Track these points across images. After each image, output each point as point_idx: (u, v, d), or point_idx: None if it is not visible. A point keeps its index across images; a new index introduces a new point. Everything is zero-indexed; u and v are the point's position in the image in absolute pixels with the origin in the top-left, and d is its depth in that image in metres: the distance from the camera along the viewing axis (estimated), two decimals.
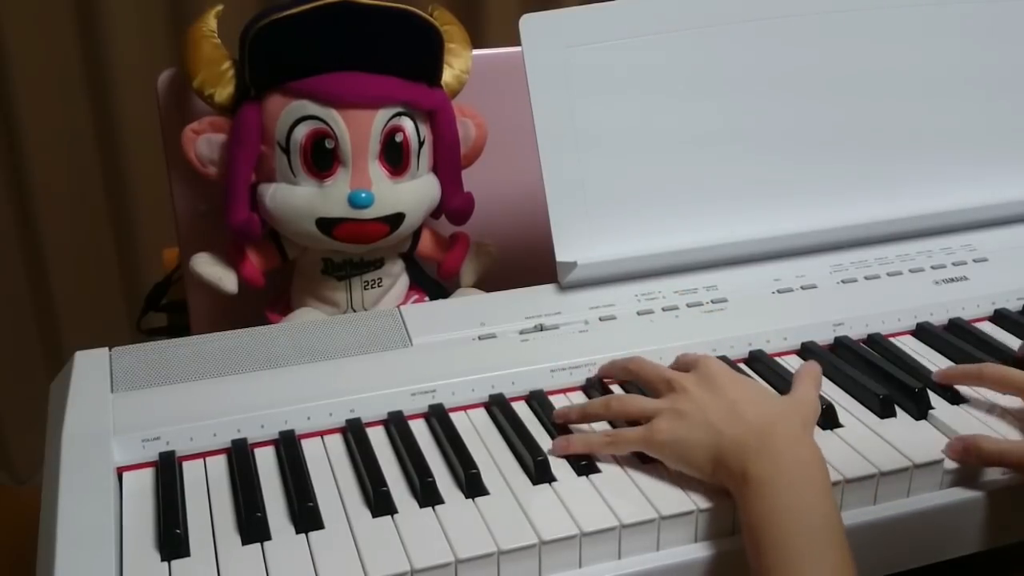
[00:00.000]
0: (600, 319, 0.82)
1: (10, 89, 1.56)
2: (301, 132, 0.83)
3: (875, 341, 0.83)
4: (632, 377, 0.75)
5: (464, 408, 0.76)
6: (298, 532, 0.62)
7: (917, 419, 0.73)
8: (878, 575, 0.67)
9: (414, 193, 0.87)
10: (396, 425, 0.72)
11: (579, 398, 0.77)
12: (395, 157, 0.85)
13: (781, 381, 0.77)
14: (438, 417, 0.73)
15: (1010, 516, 0.69)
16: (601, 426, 0.72)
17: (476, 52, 0.94)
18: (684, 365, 0.73)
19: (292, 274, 0.92)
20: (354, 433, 0.71)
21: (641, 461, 0.68)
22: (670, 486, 0.65)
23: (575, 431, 0.71)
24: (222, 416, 0.71)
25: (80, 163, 1.65)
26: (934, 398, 0.74)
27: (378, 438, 0.72)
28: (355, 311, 0.90)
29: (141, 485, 0.67)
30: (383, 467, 0.67)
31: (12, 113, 1.58)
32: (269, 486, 0.67)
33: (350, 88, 0.83)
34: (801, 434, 0.64)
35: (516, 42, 0.82)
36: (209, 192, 0.92)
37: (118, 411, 0.71)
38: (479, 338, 0.80)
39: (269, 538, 0.62)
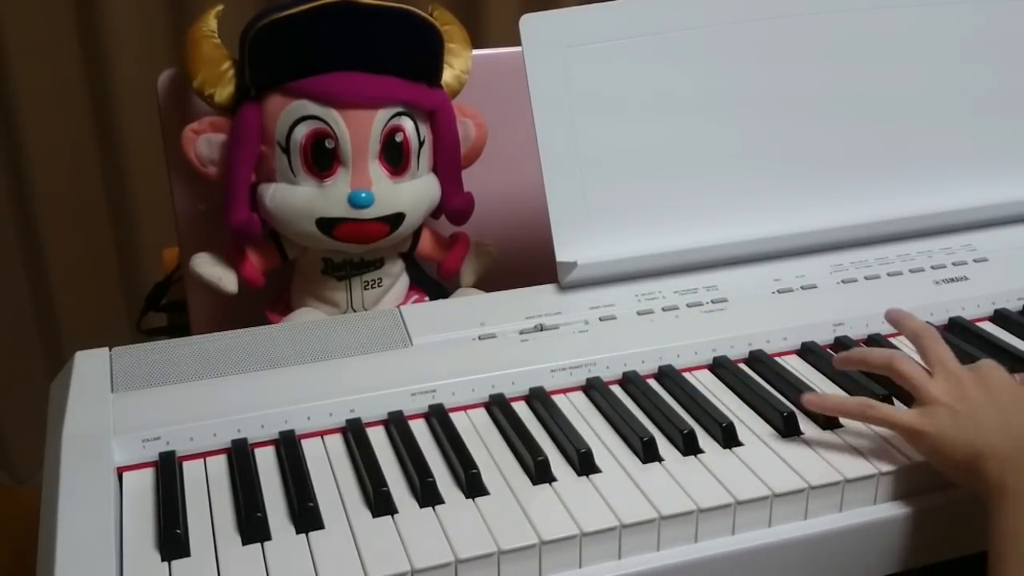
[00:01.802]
0: (600, 319, 0.82)
1: (10, 90, 1.56)
2: (301, 132, 0.83)
3: (875, 341, 0.83)
4: (918, 345, 0.72)
5: (464, 408, 0.76)
6: (298, 532, 0.62)
7: None
8: (878, 574, 0.67)
9: (414, 193, 0.87)
10: (396, 425, 0.72)
11: (579, 398, 0.77)
12: (395, 157, 0.85)
13: (781, 381, 0.77)
14: (438, 417, 0.73)
15: None
16: None
17: (476, 52, 0.94)
18: (965, 366, 0.70)
19: (292, 274, 0.92)
20: (354, 433, 0.71)
21: (641, 461, 0.68)
22: (670, 486, 0.65)
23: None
24: (222, 416, 0.71)
25: (80, 163, 1.65)
26: None
27: (378, 438, 0.72)
28: (355, 311, 0.90)
29: (141, 485, 0.67)
30: (383, 467, 0.67)
31: (12, 113, 1.58)
32: (269, 486, 0.67)
33: (350, 88, 0.83)
34: None
35: (516, 42, 0.82)
36: (209, 192, 0.91)
37: (118, 411, 0.71)
38: (479, 338, 0.80)
39: (269, 538, 0.62)
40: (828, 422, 0.71)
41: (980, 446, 0.62)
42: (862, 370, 0.74)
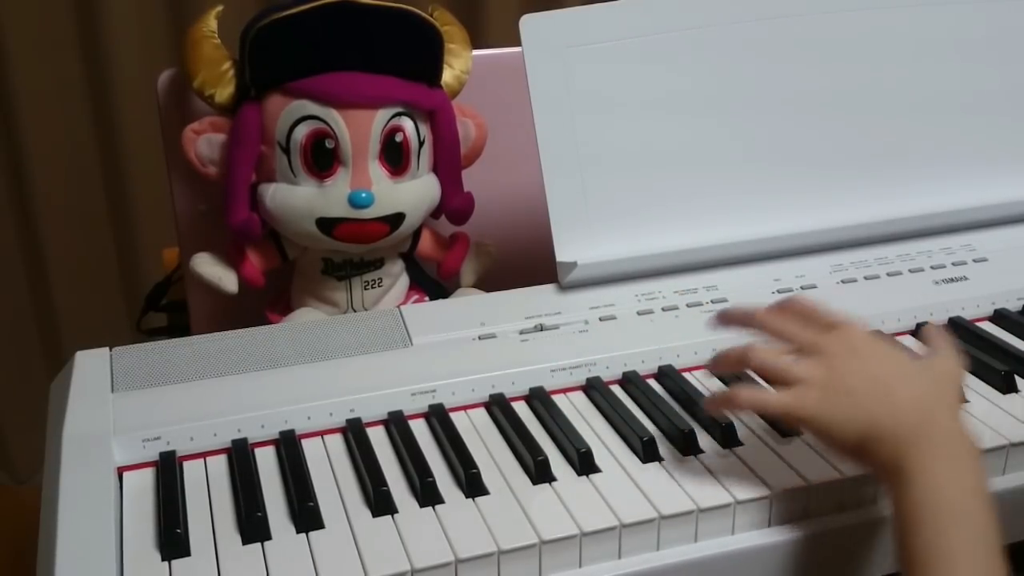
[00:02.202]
0: (600, 319, 0.82)
1: (10, 90, 1.56)
2: (301, 132, 0.83)
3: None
4: (761, 329, 0.68)
5: (464, 408, 0.76)
6: (298, 532, 0.62)
7: None
8: (879, 574, 0.67)
9: (414, 193, 0.87)
10: (396, 425, 0.72)
11: (579, 398, 0.77)
12: (395, 157, 0.86)
13: None
14: (438, 417, 0.73)
15: None
16: None
17: (476, 52, 0.94)
18: (819, 324, 0.67)
19: (292, 274, 0.92)
20: (354, 433, 0.71)
21: (641, 461, 0.68)
22: (670, 486, 0.65)
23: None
24: (222, 416, 0.71)
25: (80, 163, 1.65)
26: None
27: (378, 438, 0.72)
28: (355, 311, 0.90)
29: (141, 485, 0.67)
30: (383, 467, 0.67)
31: (12, 114, 1.58)
32: (269, 486, 0.67)
33: (350, 88, 0.83)
34: (952, 425, 0.60)
35: (516, 42, 0.82)
36: (209, 192, 0.92)
37: (118, 411, 0.71)
38: (479, 338, 0.80)
39: (269, 538, 0.62)
40: None
41: (867, 427, 0.60)
42: (727, 372, 0.70)
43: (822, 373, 0.62)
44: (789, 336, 0.66)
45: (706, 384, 0.78)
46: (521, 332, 0.80)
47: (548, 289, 0.84)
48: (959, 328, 0.84)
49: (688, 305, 0.83)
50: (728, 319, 0.72)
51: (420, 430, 0.73)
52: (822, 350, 0.63)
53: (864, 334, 0.65)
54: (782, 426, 0.70)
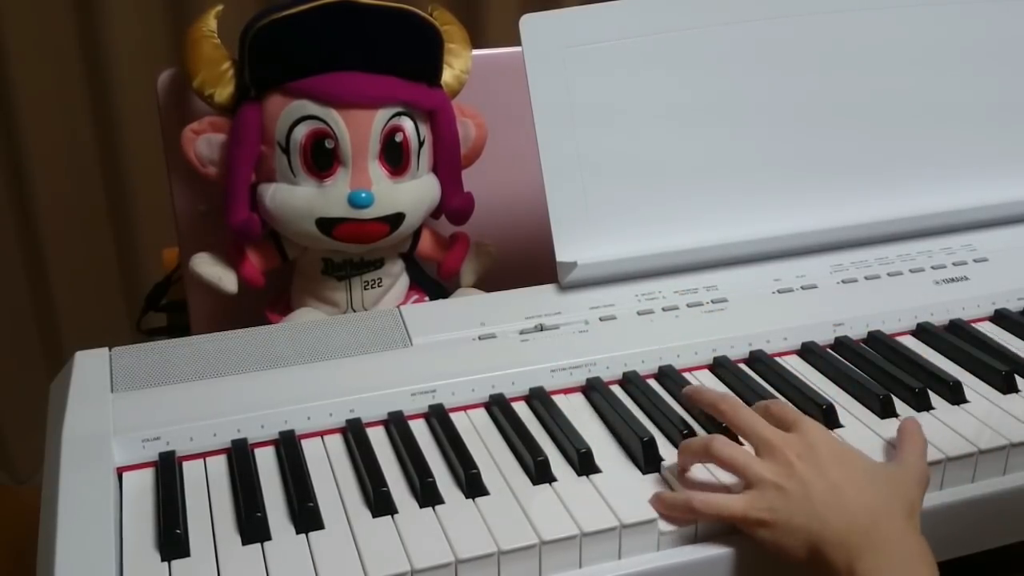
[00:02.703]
0: (600, 319, 0.82)
1: (10, 89, 1.56)
2: (301, 132, 0.83)
3: (876, 340, 0.83)
4: (724, 420, 0.68)
5: (464, 408, 0.76)
6: (298, 532, 0.62)
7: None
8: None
9: (414, 193, 0.87)
10: (396, 425, 0.72)
11: (579, 398, 0.77)
12: (395, 157, 0.85)
13: (781, 381, 0.77)
14: (438, 417, 0.73)
15: None
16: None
17: (476, 52, 0.94)
18: (780, 420, 0.66)
19: (292, 274, 0.92)
20: (354, 433, 0.71)
21: (642, 462, 0.68)
22: (670, 487, 0.65)
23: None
24: (222, 416, 0.71)
25: (80, 163, 1.65)
26: (934, 398, 0.75)
27: (378, 438, 0.72)
28: (355, 311, 0.90)
29: (141, 485, 0.67)
30: (383, 467, 0.67)
31: (12, 113, 1.58)
32: (269, 486, 0.67)
33: (350, 88, 0.83)
34: (906, 527, 0.60)
35: (516, 42, 0.82)
36: (209, 192, 0.91)
37: (118, 411, 0.71)
38: (479, 338, 0.80)
39: (269, 538, 0.62)
40: (827, 422, 0.71)
41: (819, 532, 0.59)
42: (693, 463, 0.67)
43: (779, 475, 0.62)
44: (750, 432, 0.66)
45: (707, 384, 0.78)
46: (521, 332, 0.80)
47: (548, 289, 0.84)
48: (959, 328, 0.84)
49: (688, 305, 0.83)
50: (696, 399, 0.72)
51: (420, 430, 0.73)
52: (781, 450, 0.63)
53: (824, 435, 0.65)
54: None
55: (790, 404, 0.70)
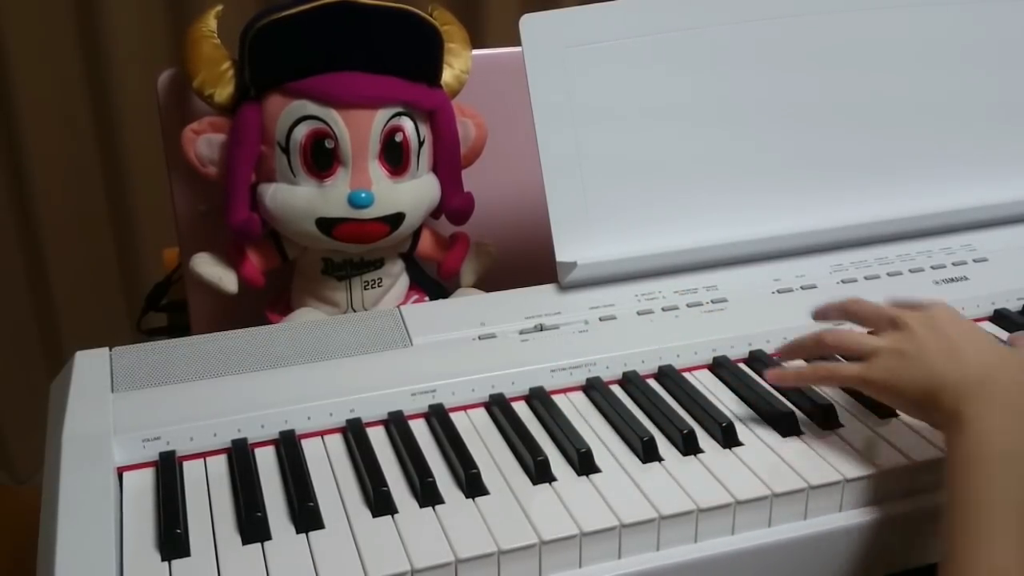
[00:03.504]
0: (600, 319, 0.82)
1: (10, 89, 1.56)
2: (301, 132, 0.83)
3: None
4: (851, 317, 0.73)
5: (464, 408, 0.76)
6: (298, 532, 0.62)
7: None
8: (879, 574, 0.67)
9: (414, 193, 0.87)
10: (396, 425, 0.72)
11: (579, 398, 0.77)
12: (395, 157, 0.86)
13: None
14: (438, 417, 0.73)
15: None
16: None
17: (476, 52, 0.94)
18: (910, 306, 0.71)
19: (292, 274, 0.92)
20: (354, 433, 0.71)
21: (641, 461, 0.68)
22: (670, 486, 0.65)
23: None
24: (222, 416, 0.71)
25: (80, 163, 1.65)
26: None
27: (378, 438, 0.72)
28: (355, 311, 0.90)
29: (141, 485, 0.67)
30: (383, 467, 0.67)
31: (12, 113, 1.58)
32: (269, 486, 0.67)
33: (350, 88, 0.83)
34: (1019, 385, 0.63)
35: (516, 42, 0.82)
36: (209, 192, 0.92)
37: (118, 411, 0.71)
38: (479, 338, 0.80)
39: (269, 538, 0.62)
40: (827, 422, 0.71)
41: (932, 380, 0.63)
42: (804, 358, 0.75)
43: (897, 342, 0.66)
44: (878, 315, 0.70)
45: (707, 384, 0.78)
46: (521, 332, 0.80)
47: (548, 289, 0.84)
48: None
49: (688, 305, 0.83)
50: (823, 313, 0.76)
51: (420, 430, 0.73)
52: (904, 323, 0.67)
53: (949, 313, 0.68)
54: (781, 426, 0.70)
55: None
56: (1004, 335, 0.84)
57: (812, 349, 0.72)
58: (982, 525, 0.56)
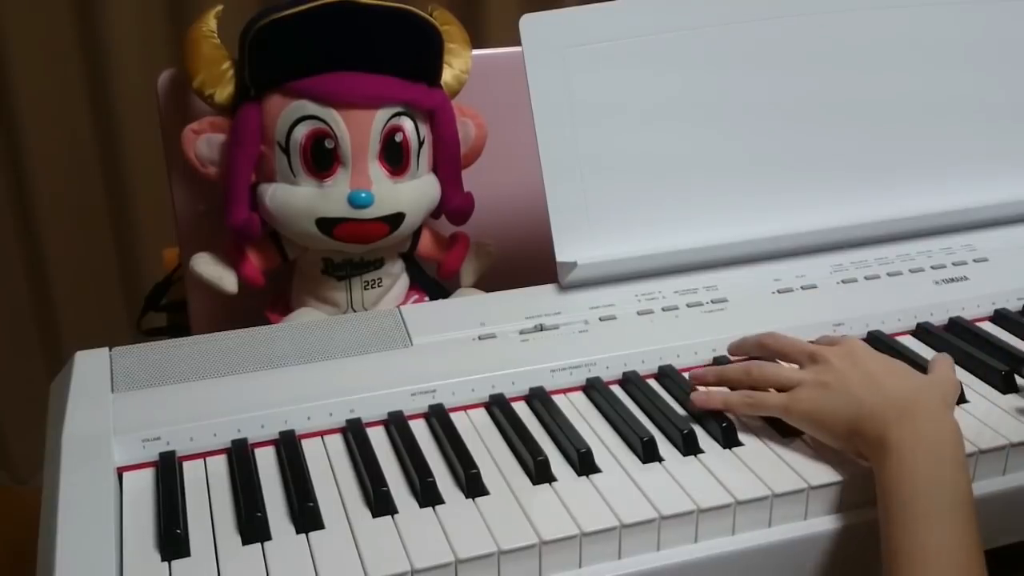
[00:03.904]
0: (600, 319, 0.82)
1: (10, 90, 1.56)
2: (301, 132, 0.83)
3: (876, 340, 0.83)
4: (769, 353, 0.74)
5: (464, 408, 0.76)
6: (298, 532, 0.62)
7: None
8: (879, 574, 0.67)
9: (414, 193, 0.87)
10: (396, 425, 0.72)
11: (579, 398, 0.77)
12: (395, 157, 0.86)
13: None
14: (438, 417, 0.73)
15: None
16: None
17: (476, 52, 0.94)
18: (826, 342, 0.73)
19: (292, 274, 0.92)
20: (354, 433, 0.71)
21: (641, 462, 0.68)
22: (670, 486, 0.65)
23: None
24: (222, 416, 0.71)
25: (80, 163, 1.65)
26: None
27: (378, 438, 0.72)
28: (355, 311, 0.90)
29: (141, 485, 0.67)
30: (383, 467, 0.67)
31: (12, 114, 1.58)
32: (269, 486, 0.67)
33: (350, 88, 0.83)
34: (941, 410, 0.65)
35: (516, 42, 0.82)
36: (209, 192, 0.91)
37: (118, 411, 0.71)
38: (479, 338, 0.80)
39: (269, 538, 0.62)
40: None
41: (855, 409, 0.65)
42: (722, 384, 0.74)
43: (819, 374, 0.69)
44: (797, 350, 0.72)
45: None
46: (521, 332, 0.80)
47: (548, 289, 0.84)
48: (959, 328, 0.84)
49: (688, 305, 0.83)
50: (738, 349, 0.78)
51: (420, 430, 0.73)
52: (822, 356, 0.69)
53: (865, 347, 0.71)
54: (781, 426, 0.70)
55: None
56: (1004, 335, 0.84)
57: (741, 382, 0.72)
58: (918, 540, 0.57)
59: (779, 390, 0.70)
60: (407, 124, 0.85)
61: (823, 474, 0.66)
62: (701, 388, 0.73)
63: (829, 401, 0.66)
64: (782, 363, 0.74)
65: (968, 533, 0.58)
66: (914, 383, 0.67)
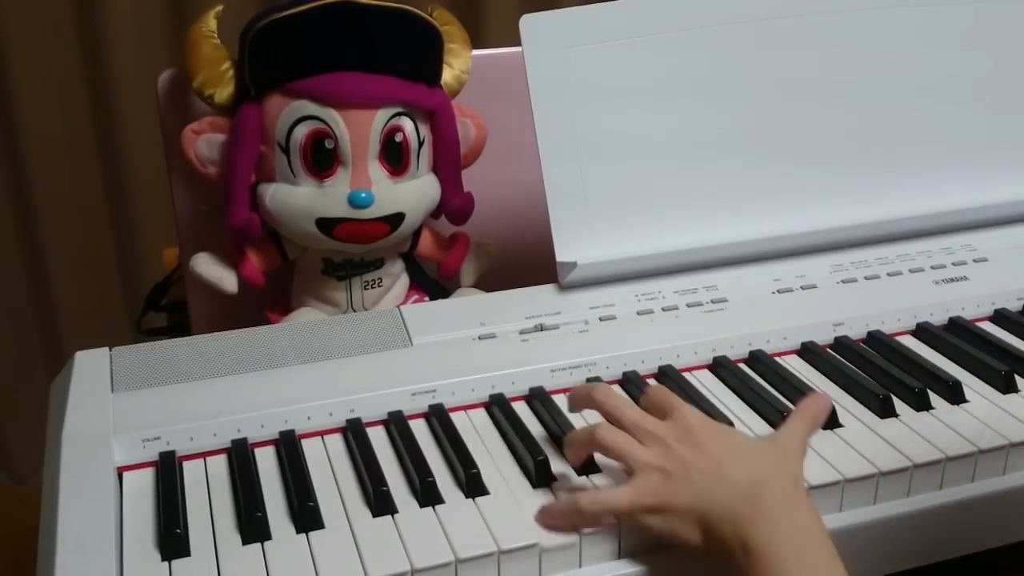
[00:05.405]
0: (600, 319, 0.82)
1: (10, 90, 1.57)
2: (301, 132, 0.83)
3: (875, 339, 0.83)
4: (600, 411, 0.67)
5: (464, 408, 0.76)
6: (298, 532, 0.62)
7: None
8: (878, 574, 0.67)
9: (414, 193, 0.87)
10: (396, 425, 0.72)
11: None
12: (395, 157, 0.86)
13: (781, 381, 0.77)
14: (438, 417, 0.73)
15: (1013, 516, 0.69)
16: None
17: (476, 52, 0.94)
18: (657, 407, 0.66)
19: (292, 274, 0.92)
20: (354, 433, 0.71)
21: None
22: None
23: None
24: (222, 416, 0.71)
25: (80, 163, 1.65)
26: (934, 398, 0.74)
27: (378, 438, 0.72)
28: (355, 311, 0.90)
29: (141, 485, 0.67)
30: (383, 467, 0.67)
31: (12, 114, 1.58)
32: (269, 486, 0.67)
33: (350, 88, 0.83)
34: (793, 492, 0.60)
35: (516, 42, 0.82)
36: (209, 192, 0.92)
37: (118, 411, 0.71)
38: (479, 338, 0.80)
39: (269, 538, 0.62)
40: (826, 422, 0.71)
41: (707, 508, 0.59)
42: (576, 448, 0.67)
43: (659, 458, 0.62)
44: (627, 422, 0.65)
45: (706, 384, 0.78)
46: (521, 332, 0.80)
47: (548, 289, 0.84)
48: (959, 328, 0.84)
49: (688, 305, 0.83)
50: (575, 401, 0.71)
51: (420, 430, 0.73)
52: (657, 436, 0.63)
53: (699, 417, 0.65)
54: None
55: (667, 390, 0.68)
56: (1004, 335, 0.84)
57: (587, 446, 0.66)
58: None
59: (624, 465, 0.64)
60: (407, 124, 0.85)
61: (823, 474, 0.66)
62: (540, 518, 0.63)
63: (676, 495, 0.60)
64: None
65: None
66: (754, 462, 0.61)
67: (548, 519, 0.62)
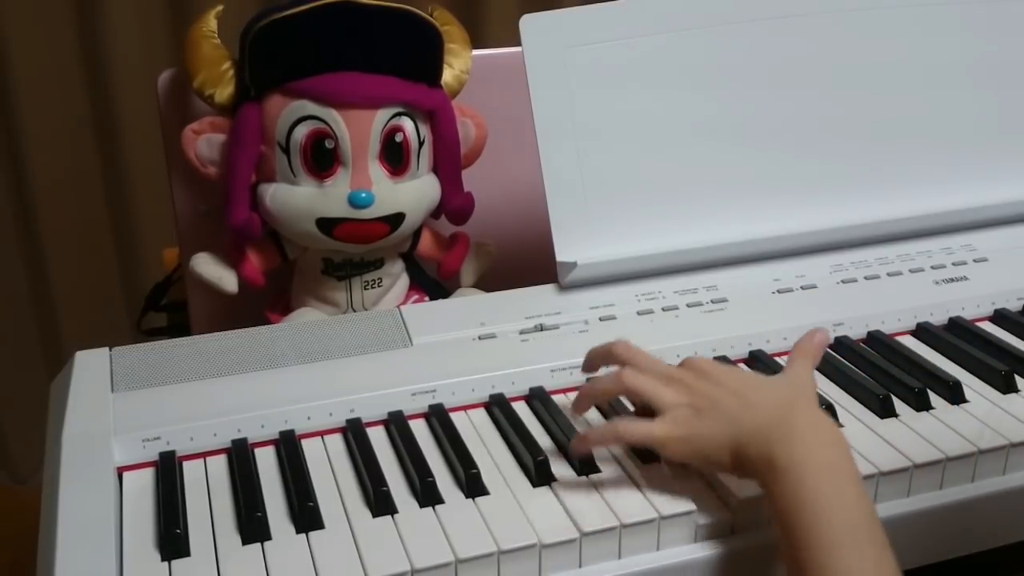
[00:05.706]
0: (600, 319, 0.82)
1: (10, 89, 1.56)
2: (301, 132, 0.83)
3: (875, 339, 0.83)
4: (619, 362, 0.70)
5: (464, 408, 0.76)
6: (298, 532, 0.62)
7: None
8: None
9: (414, 193, 0.87)
10: (396, 425, 0.72)
11: None
12: (395, 157, 0.86)
13: None
14: (438, 417, 0.73)
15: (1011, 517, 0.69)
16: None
17: (476, 52, 0.94)
18: (670, 365, 0.69)
19: (292, 274, 0.92)
20: (354, 433, 0.71)
21: (641, 461, 0.68)
22: (670, 486, 0.65)
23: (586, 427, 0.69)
24: (222, 416, 0.71)
25: (80, 163, 1.65)
26: (934, 398, 0.74)
27: (378, 438, 0.72)
28: (355, 311, 0.90)
29: (141, 485, 0.67)
30: (383, 467, 0.67)
31: (12, 112, 1.58)
32: (269, 486, 0.67)
33: (350, 88, 0.83)
34: (820, 415, 0.63)
35: (516, 42, 0.82)
36: (209, 192, 0.92)
37: (118, 411, 0.71)
38: (479, 338, 0.80)
39: (269, 538, 0.62)
40: None
41: (735, 433, 0.62)
42: (599, 403, 0.73)
43: (685, 395, 0.65)
44: (648, 367, 0.68)
45: None
46: (521, 332, 0.80)
47: (548, 289, 0.84)
48: (959, 328, 0.84)
49: (688, 305, 0.83)
50: (592, 359, 0.73)
51: (420, 430, 0.73)
52: (681, 379, 0.66)
53: (709, 360, 0.68)
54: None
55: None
56: (1004, 335, 0.84)
57: (609, 392, 0.70)
58: (837, 565, 0.55)
59: (641, 412, 0.68)
60: (407, 124, 0.85)
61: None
62: (576, 444, 0.67)
63: (704, 427, 0.63)
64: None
65: (882, 551, 0.56)
66: (775, 392, 0.64)
67: (583, 446, 0.67)
